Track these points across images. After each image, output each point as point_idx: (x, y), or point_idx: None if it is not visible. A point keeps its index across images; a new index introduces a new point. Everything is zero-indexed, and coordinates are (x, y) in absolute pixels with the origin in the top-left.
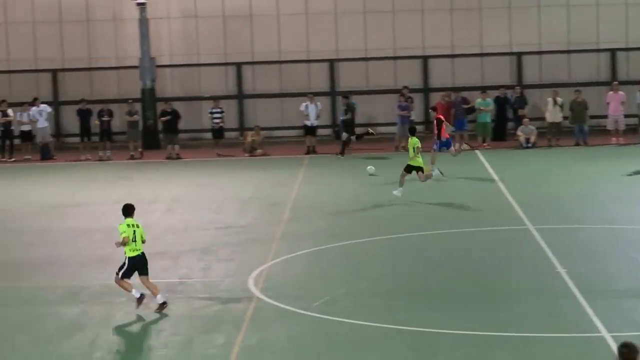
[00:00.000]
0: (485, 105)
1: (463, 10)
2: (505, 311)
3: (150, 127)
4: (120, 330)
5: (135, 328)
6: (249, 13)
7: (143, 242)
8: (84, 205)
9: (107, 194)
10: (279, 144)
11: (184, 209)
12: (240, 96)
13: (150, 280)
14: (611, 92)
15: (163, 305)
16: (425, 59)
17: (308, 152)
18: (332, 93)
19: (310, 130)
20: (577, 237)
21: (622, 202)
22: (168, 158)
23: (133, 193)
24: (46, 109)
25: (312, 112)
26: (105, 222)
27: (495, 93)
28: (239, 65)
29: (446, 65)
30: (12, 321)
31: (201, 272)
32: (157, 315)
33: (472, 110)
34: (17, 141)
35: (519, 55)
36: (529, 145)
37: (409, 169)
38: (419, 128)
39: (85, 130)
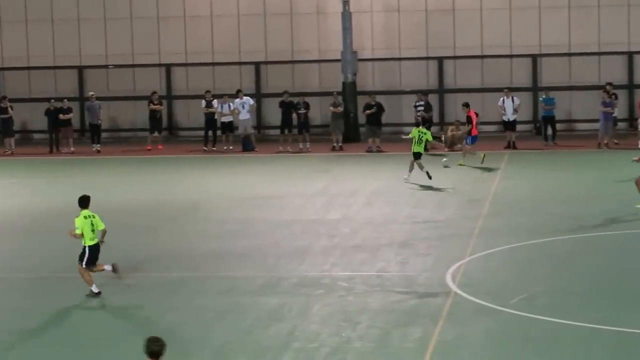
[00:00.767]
0: None
1: None
2: None
3: (351, 120)
4: (318, 321)
5: (333, 320)
6: (452, 7)
7: (103, 232)
8: (284, 197)
9: (307, 186)
10: (481, 139)
11: (383, 202)
12: (441, 90)
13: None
14: None
15: (98, 294)
16: (630, 55)
17: (508, 147)
18: (534, 89)
19: (509, 125)
20: None
21: None
22: (368, 151)
23: (332, 185)
24: (249, 101)
25: (509, 107)
26: (304, 214)
27: None
28: (440, 60)
29: None
30: (212, 310)
31: (399, 266)
32: (355, 308)
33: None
34: (218, 132)
35: None
36: None
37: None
38: (621, 125)
39: (286, 123)
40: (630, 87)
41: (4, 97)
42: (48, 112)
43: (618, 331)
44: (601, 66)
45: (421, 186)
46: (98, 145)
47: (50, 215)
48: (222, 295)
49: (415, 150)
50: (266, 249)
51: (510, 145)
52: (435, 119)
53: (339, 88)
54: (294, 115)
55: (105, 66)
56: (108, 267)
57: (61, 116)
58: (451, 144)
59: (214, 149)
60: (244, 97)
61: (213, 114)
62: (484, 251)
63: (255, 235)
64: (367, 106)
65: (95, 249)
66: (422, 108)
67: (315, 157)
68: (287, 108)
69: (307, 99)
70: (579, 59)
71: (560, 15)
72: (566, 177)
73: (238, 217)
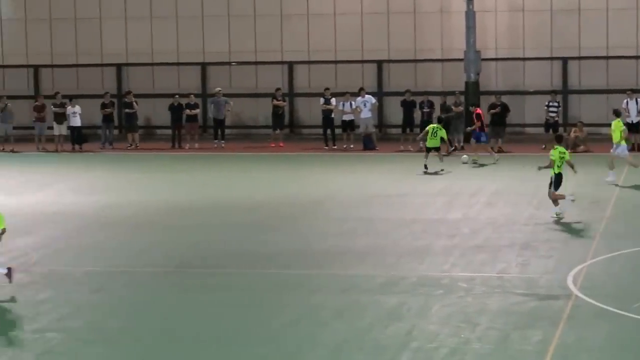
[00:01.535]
0: None
1: None
2: None
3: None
4: (436, 321)
5: (452, 320)
6: (577, 7)
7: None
8: (405, 195)
9: (428, 185)
10: (603, 141)
11: (504, 203)
12: (565, 91)
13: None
14: None
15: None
16: None
17: (632, 150)
18: None
19: (633, 127)
20: None
21: None
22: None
23: (454, 185)
24: (370, 99)
25: (633, 109)
26: (424, 214)
27: None
28: (564, 60)
29: None
30: (331, 308)
31: (519, 268)
32: (474, 309)
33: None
34: (337, 130)
35: None
36: None
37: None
38: None
39: (407, 122)
40: None
41: (129, 92)
42: (172, 108)
43: None
44: None
45: (545, 187)
46: (222, 141)
47: (172, 210)
48: (341, 293)
49: (430, 145)
50: (386, 247)
51: (635, 148)
52: (559, 119)
53: (462, 88)
54: (416, 114)
55: (228, 63)
56: (3, 270)
57: (188, 111)
58: (574, 146)
59: (335, 147)
60: (366, 96)
61: (330, 111)
62: (606, 254)
63: (375, 234)
64: (492, 106)
65: None
66: (554, 108)
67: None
68: (408, 107)
69: (433, 99)
70: None
71: None
72: None
73: (358, 216)
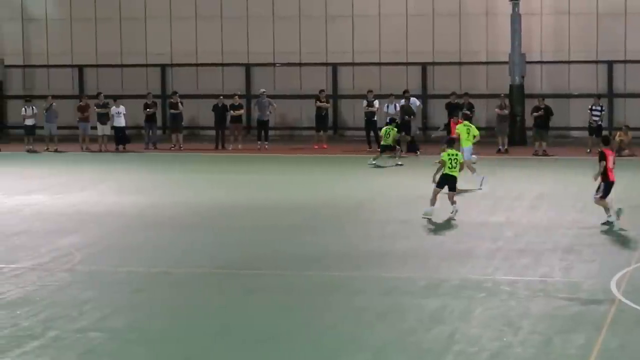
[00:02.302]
0: None
1: None
2: None
3: (517, 123)
4: (479, 325)
5: (494, 324)
6: (623, 11)
7: None
8: (447, 198)
9: (470, 188)
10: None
11: (548, 206)
12: (610, 95)
13: None
14: None
15: None
16: None
17: None
18: None
19: None
20: None
21: None
22: (535, 155)
23: (497, 188)
24: (415, 102)
25: None
26: (467, 217)
27: None
28: (610, 64)
29: None
30: (373, 310)
31: (562, 272)
32: (517, 312)
33: None
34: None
35: None
36: None
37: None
38: None
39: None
40: None
41: (175, 93)
42: (215, 108)
43: None
44: None
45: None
46: (266, 142)
47: (214, 211)
48: (383, 295)
49: (384, 143)
50: (428, 250)
51: None
52: (604, 123)
53: (507, 90)
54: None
55: (273, 64)
56: None
57: (232, 112)
58: (619, 150)
59: (379, 150)
60: (411, 98)
61: (373, 113)
62: None
63: (417, 236)
64: (535, 109)
65: None
66: (597, 112)
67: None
68: (453, 109)
69: (473, 101)
70: None
71: None
72: None
73: (400, 218)
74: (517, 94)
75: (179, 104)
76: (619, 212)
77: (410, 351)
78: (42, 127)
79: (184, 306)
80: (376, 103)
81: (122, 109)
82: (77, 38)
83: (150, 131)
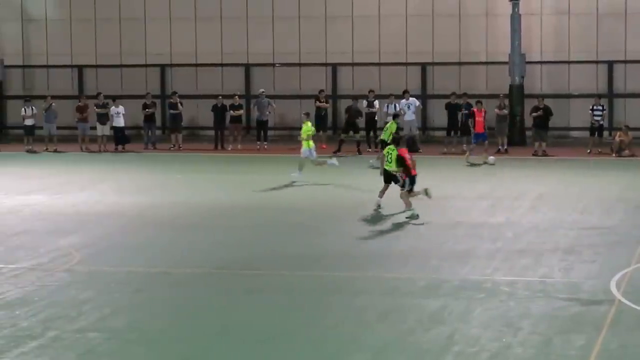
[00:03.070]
0: None
1: None
2: None
3: (517, 123)
4: (478, 325)
5: (494, 325)
6: (623, 11)
7: None
8: (448, 199)
9: (471, 189)
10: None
11: (548, 207)
12: (610, 95)
13: None
14: None
15: None
16: None
17: None
18: None
19: None
20: None
21: None
22: (534, 155)
23: (497, 189)
24: (414, 102)
25: None
26: (467, 217)
27: None
28: (610, 64)
29: None
30: (374, 310)
31: (562, 272)
32: (516, 313)
33: None
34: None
35: None
36: None
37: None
38: None
39: (452, 124)
40: None
41: (174, 93)
42: (215, 109)
43: None
44: None
45: (589, 192)
46: (265, 142)
47: (214, 211)
48: (384, 296)
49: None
50: (429, 250)
51: None
52: (605, 124)
53: (506, 91)
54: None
55: (272, 64)
56: None
57: (232, 112)
58: (619, 150)
59: (377, 150)
60: (410, 98)
61: (374, 113)
62: None
63: (417, 237)
64: (534, 109)
65: None
66: (599, 112)
67: (479, 159)
68: (453, 110)
69: (473, 101)
70: None
71: None
72: None
73: (400, 218)
74: (517, 94)
75: (179, 104)
76: (427, 192)
77: (410, 351)
78: (41, 128)
79: (183, 306)
80: (376, 103)
81: (121, 109)
82: (76, 38)
83: (150, 131)
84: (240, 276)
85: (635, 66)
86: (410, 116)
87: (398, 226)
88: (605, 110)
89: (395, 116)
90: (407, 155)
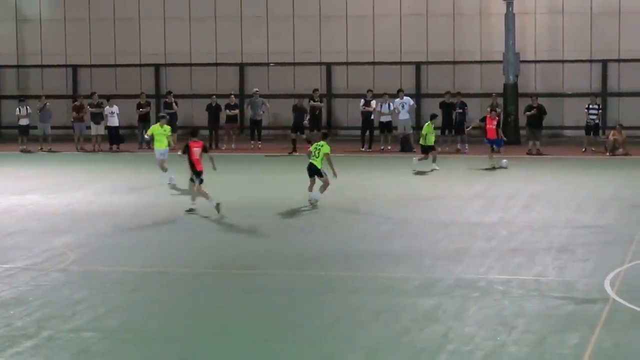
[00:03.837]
0: None
1: None
2: None
3: (511, 122)
4: (473, 324)
5: (488, 323)
6: (617, 10)
7: None
8: (442, 198)
9: (466, 188)
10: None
11: (542, 206)
12: (604, 94)
13: None
14: None
15: None
16: None
17: None
18: None
19: None
20: None
21: None
22: (528, 154)
23: (491, 188)
24: (409, 101)
25: None
26: (462, 216)
27: None
28: (604, 63)
29: None
30: (369, 309)
31: (556, 271)
32: (511, 312)
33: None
34: (375, 132)
35: None
36: None
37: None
38: None
39: (446, 124)
40: None
41: (170, 92)
42: (209, 108)
43: None
44: None
45: (583, 191)
46: (259, 142)
47: (209, 211)
48: (378, 295)
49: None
50: (423, 250)
51: None
52: (600, 122)
53: (501, 90)
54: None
55: (266, 64)
56: None
57: (227, 112)
58: (613, 149)
59: (370, 149)
60: (404, 97)
61: (370, 113)
62: None
63: (412, 236)
64: (528, 108)
65: None
66: (594, 111)
67: (474, 158)
68: (447, 109)
69: (467, 100)
70: None
71: None
72: None
73: (395, 218)
74: (511, 93)
75: (174, 104)
76: (218, 207)
77: (404, 350)
78: (36, 127)
79: (179, 306)
80: (373, 103)
81: (115, 108)
82: (71, 38)
83: (144, 131)
84: (236, 276)
85: (629, 65)
86: (404, 115)
87: (392, 226)
88: (600, 109)
89: (433, 117)
90: (194, 151)
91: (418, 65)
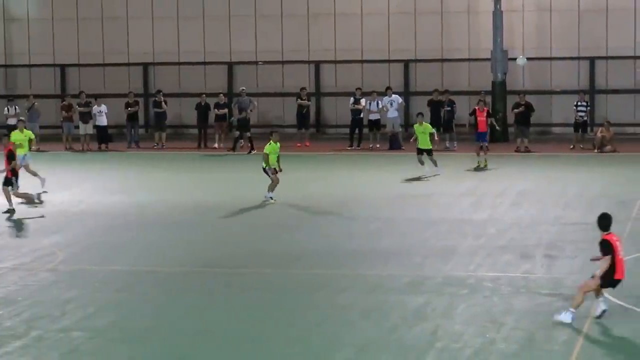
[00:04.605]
0: None
1: None
2: None
3: (499, 120)
4: (462, 321)
5: (477, 321)
6: (605, 7)
7: None
8: (430, 195)
9: (454, 186)
10: (631, 140)
11: (531, 203)
12: (592, 91)
13: None
14: None
15: None
16: None
17: None
18: None
19: None
20: None
21: None
22: (517, 151)
23: (479, 185)
24: (397, 99)
25: None
26: (451, 214)
27: None
28: (592, 60)
29: None
30: (358, 308)
31: (545, 268)
32: (500, 309)
33: None
34: (364, 130)
35: None
36: None
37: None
38: None
39: (435, 121)
40: None
41: (159, 91)
42: (198, 107)
43: None
44: None
45: (571, 188)
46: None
47: (198, 210)
48: (367, 293)
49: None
50: (412, 247)
51: None
52: (588, 119)
53: (489, 87)
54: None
55: (255, 62)
56: None
57: (216, 111)
58: (601, 146)
59: (359, 147)
60: (393, 95)
61: (359, 111)
62: (633, 254)
63: (401, 234)
64: (516, 105)
65: None
66: (583, 108)
67: (461, 156)
68: (435, 106)
69: (456, 98)
70: None
71: None
72: None
73: (384, 216)
74: (499, 90)
75: (163, 102)
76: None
77: (393, 348)
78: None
79: (167, 305)
80: (363, 101)
81: (103, 108)
82: (59, 38)
83: (133, 130)
84: (224, 275)
85: (617, 62)
86: (392, 113)
87: (380, 224)
88: (588, 106)
89: (418, 115)
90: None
91: (406, 63)
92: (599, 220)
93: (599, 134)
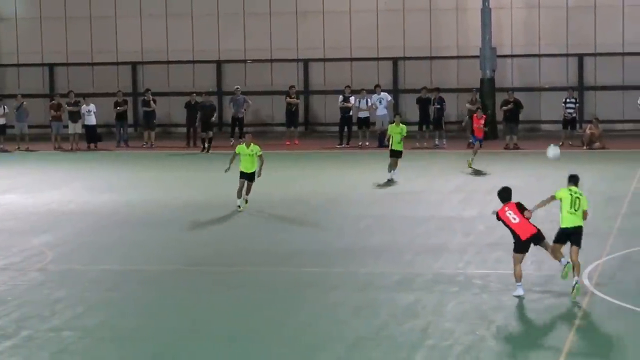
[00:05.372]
0: None
1: None
2: None
3: (488, 117)
4: (452, 319)
5: (467, 318)
6: (593, 4)
7: None
8: (421, 193)
9: (443, 183)
10: (620, 137)
11: (520, 200)
12: (580, 88)
13: None
14: None
15: None
16: None
17: None
18: None
19: None
20: None
21: None
22: (506, 148)
23: (469, 183)
24: (386, 97)
25: None
26: (440, 211)
27: None
28: (580, 57)
29: None
30: (348, 305)
31: (535, 265)
32: (489, 306)
33: None
34: (353, 128)
35: None
36: None
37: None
38: None
39: (423, 119)
40: None
41: (148, 90)
42: (188, 105)
43: None
44: None
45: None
46: (240, 139)
47: (187, 209)
48: (357, 291)
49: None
50: (402, 245)
51: None
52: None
53: (478, 85)
54: (430, 111)
55: (244, 61)
56: None
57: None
58: (590, 142)
59: (348, 145)
60: (382, 93)
61: (349, 109)
62: (622, 251)
63: (391, 232)
64: (505, 102)
65: None
66: (572, 105)
67: (451, 153)
68: (424, 104)
69: (445, 95)
70: None
71: None
72: None
73: (374, 213)
74: (488, 87)
75: (152, 101)
76: None
77: (384, 345)
78: (13, 127)
79: (156, 304)
80: (352, 99)
81: (92, 107)
82: (47, 37)
83: (122, 129)
84: (215, 273)
85: (605, 59)
86: (381, 111)
87: (370, 221)
88: (577, 103)
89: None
90: None
91: (395, 61)
92: (498, 193)
93: (587, 131)
